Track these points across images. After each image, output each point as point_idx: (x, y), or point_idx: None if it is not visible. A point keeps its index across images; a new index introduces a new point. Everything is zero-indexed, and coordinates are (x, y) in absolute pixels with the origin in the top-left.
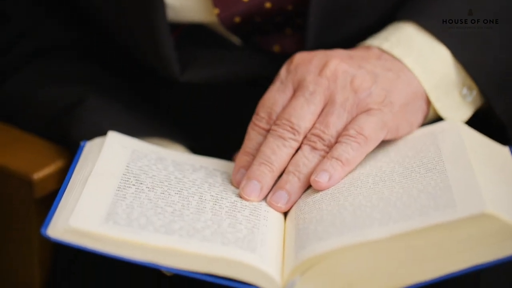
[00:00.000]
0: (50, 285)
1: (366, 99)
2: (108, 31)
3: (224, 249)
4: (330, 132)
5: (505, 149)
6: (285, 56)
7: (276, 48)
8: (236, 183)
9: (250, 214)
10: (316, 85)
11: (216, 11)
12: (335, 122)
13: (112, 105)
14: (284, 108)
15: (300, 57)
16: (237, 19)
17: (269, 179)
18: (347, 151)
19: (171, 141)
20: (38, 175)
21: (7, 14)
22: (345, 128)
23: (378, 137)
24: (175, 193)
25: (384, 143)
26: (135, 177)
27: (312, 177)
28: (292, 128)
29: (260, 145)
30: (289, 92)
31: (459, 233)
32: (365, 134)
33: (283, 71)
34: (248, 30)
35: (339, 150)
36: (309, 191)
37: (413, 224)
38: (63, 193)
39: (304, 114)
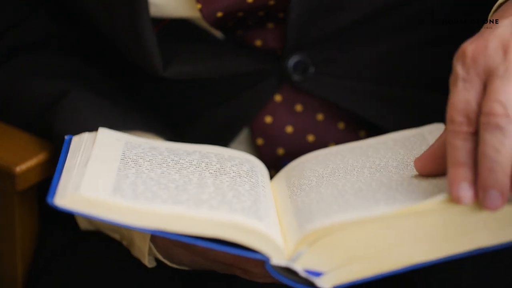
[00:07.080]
0: (32, 276)
1: None
2: (93, 26)
3: (233, 215)
4: None
5: None
6: (267, 51)
7: (258, 43)
8: (461, 199)
9: (250, 189)
10: (506, 62)
11: (199, 6)
12: None
13: (96, 99)
14: (483, 100)
15: (471, 49)
16: (220, 14)
17: (505, 181)
18: None
19: (155, 134)
20: (21, 167)
21: None
22: None
23: None
24: (175, 173)
25: (372, 142)
26: (133, 161)
27: None
28: (504, 107)
29: (471, 151)
30: (478, 86)
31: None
32: None
33: (459, 70)
34: (230, 24)
35: None
36: (301, 177)
37: (421, 203)
38: (61, 169)
39: (510, 89)
